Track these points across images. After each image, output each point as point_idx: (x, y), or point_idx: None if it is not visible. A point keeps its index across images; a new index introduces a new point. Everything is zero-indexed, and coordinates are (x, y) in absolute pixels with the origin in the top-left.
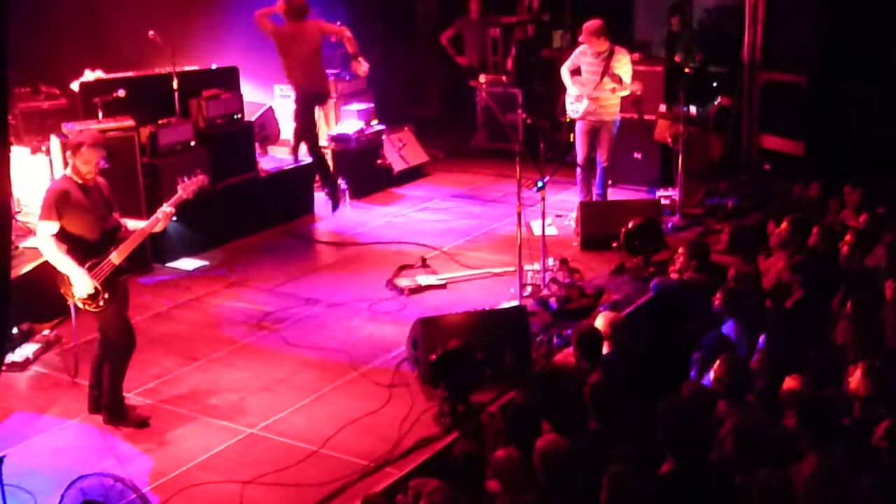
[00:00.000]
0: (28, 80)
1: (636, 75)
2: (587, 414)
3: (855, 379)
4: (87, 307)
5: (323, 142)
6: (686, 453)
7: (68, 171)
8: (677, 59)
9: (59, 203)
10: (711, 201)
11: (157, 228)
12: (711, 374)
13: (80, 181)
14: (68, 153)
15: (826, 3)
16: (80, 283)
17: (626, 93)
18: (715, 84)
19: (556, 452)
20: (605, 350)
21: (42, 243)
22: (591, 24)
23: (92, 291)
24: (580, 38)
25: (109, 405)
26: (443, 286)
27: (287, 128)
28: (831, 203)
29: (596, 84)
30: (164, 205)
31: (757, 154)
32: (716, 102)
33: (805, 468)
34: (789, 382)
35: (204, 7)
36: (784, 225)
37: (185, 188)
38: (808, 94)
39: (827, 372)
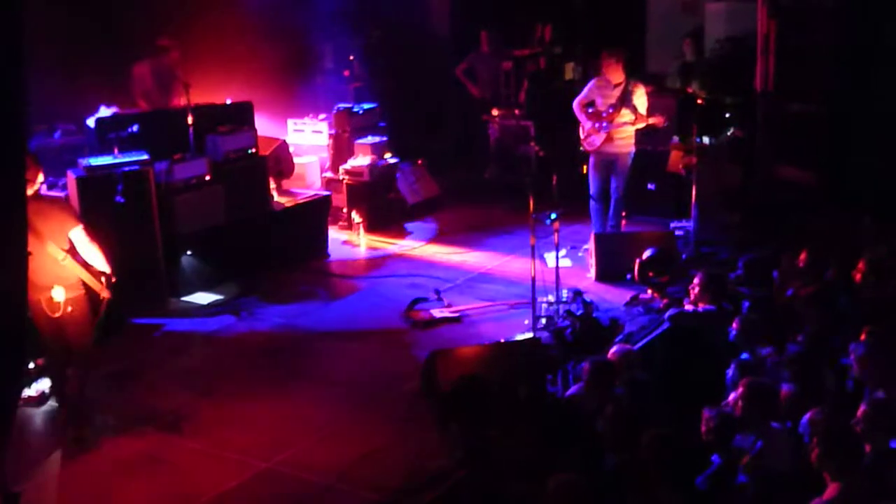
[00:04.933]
0: (45, 117)
1: (657, 108)
2: (602, 447)
3: (861, 412)
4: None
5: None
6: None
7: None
8: (689, 90)
9: None
10: (726, 232)
11: None
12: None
13: None
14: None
15: (839, 32)
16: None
17: (642, 125)
18: (728, 115)
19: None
20: (619, 383)
21: (86, 241)
22: (615, 51)
23: None
24: (604, 59)
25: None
26: (457, 319)
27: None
28: (844, 234)
29: (613, 116)
30: None
31: (771, 184)
32: (729, 133)
33: (827, 496)
34: (811, 413)
35: (218, 42)
36: (803, 255)
37: None
38: (822, 124)
39: (845, 402)
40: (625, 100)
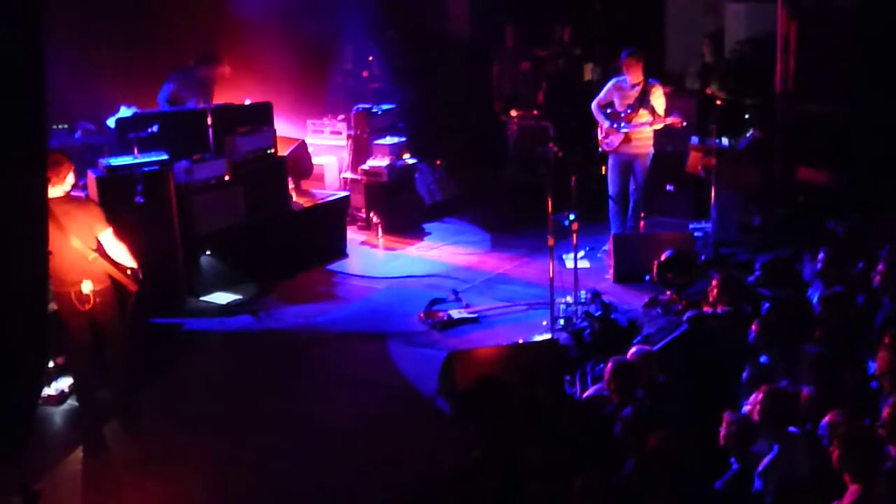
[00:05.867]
0: (65, 117)
1: (676, 108)
2: (621, 448)
3: (886, 414)
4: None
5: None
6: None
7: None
8: (709, 91)
9: None
10: (745, 234)
11: None
12: (747, 406)
13: None
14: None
15: (858, 33)
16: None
17: (660, 126)
18: (747, 116)
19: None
20: (638, 385)
21: (115, 242)
22: (634, 51)
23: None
24: (623, 60)
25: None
26: (475, 319)
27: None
28: (863, 235)
29: (632, 116)
30: None
31: (791, 185)
32: (748, 134)
33: (848, 499)
34: (832, 415)
35: (237, 43)
36: (822, 256)
37: None
38: (842, 125)
39: (866, 404)
40: (643, 100)
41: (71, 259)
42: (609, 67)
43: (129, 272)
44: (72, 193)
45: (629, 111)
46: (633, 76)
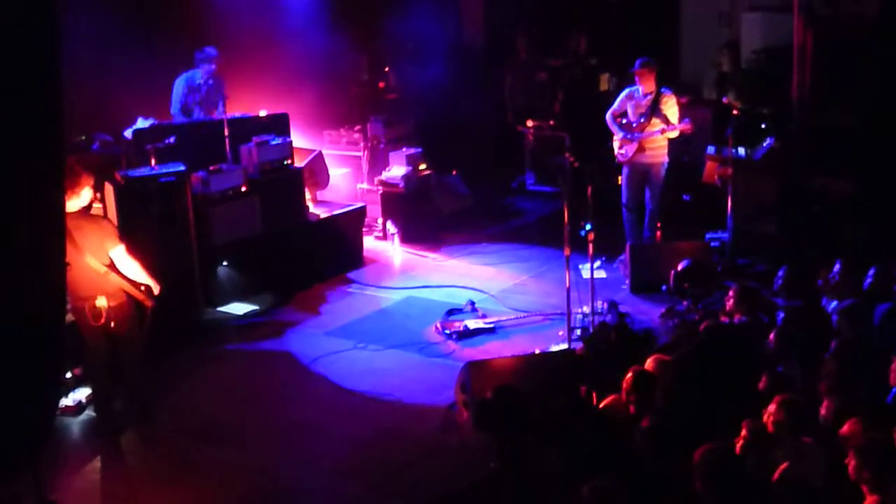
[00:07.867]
0: (82, 129)
1: (692, 117)
2: (638, 459)
3: None
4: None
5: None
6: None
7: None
8: (725, 100)
9: None
10: (762, 243)
11: None
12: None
13: None
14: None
15: (875, 42)
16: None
17: (674, 134)
18: (764, 125)
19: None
20: (656, 395)
21: (127, 259)
22: (647, 61)
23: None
24: (636, 69)
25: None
26: (491, 330)
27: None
28: (881, 244)
29: (644, 126)
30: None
31: (808, 195)
32: (765, 144)
33: None
34: (849, 425)
35: (254, 54)
36: (837, 267)
37: None
38: (859, 134)
39: (883, 414)
40: (655, 110)
41: (85, 274)
42: (625, 77)
43: (143, 288)
44: (92, 209)
45: (642, 120)
46: (646, 86)
